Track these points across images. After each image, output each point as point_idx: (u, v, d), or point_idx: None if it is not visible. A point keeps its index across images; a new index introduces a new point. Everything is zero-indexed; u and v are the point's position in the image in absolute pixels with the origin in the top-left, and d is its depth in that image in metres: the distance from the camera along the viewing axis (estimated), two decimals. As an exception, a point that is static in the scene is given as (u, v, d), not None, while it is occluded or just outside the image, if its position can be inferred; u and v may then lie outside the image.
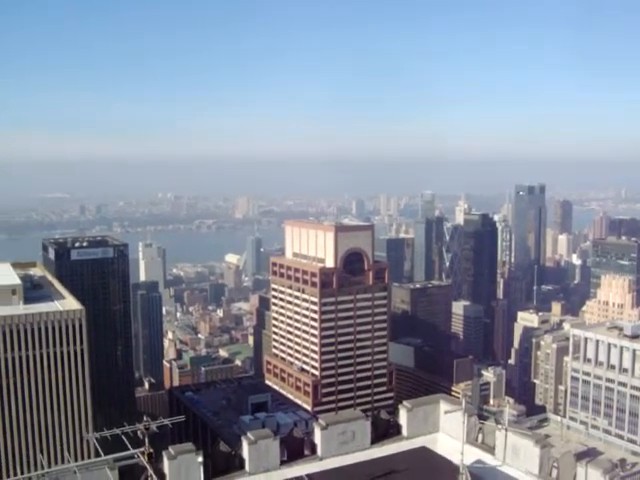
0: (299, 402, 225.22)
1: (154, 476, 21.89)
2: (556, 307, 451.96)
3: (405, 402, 31.33)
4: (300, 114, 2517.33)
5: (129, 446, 22.44)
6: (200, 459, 24.47)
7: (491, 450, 28.95)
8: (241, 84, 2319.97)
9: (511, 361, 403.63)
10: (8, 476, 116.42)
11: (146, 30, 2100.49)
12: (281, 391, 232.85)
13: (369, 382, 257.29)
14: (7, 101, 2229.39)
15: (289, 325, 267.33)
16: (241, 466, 27.18)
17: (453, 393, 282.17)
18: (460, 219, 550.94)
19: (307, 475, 26.32)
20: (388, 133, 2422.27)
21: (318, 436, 28.62)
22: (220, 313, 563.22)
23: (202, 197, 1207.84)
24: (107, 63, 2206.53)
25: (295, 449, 28.59)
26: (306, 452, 28.76)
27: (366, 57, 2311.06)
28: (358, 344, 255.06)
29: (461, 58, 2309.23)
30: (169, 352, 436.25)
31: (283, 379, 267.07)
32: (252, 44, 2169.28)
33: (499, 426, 28.62)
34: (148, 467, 21.86)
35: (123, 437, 22.99)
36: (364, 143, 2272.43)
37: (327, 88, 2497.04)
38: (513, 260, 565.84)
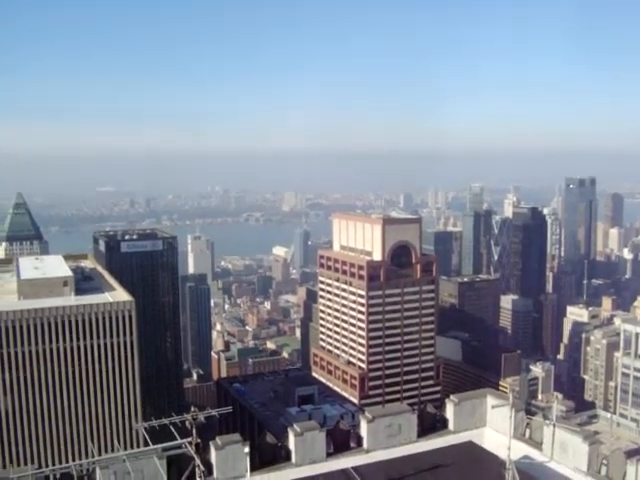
0: (346, 395, 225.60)
1: (201, 466, 22.11)
2: (607, 302, 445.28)
3: (452, 396, 31.21)
4: (345, 107, 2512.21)
5: (177, 436, 22.69)
6: (247, 450, 24.64)
7: (538, 446, 28.69)
8: (288, 79, 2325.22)
9: (560, 356, 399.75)
10: (60, 463, 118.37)
11: (194, 21, 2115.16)
12: (328, 384, 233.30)
13: (416, 376, 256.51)
14: (59, 96, 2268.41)
15: (336, 318, 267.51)
16: (287, 458, 27.32)
17: (501, 388, 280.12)
18: (509, 212, 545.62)
19: (353, 467, 26.34)
20: (435, 126, 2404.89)
21: (364, 429, 28.63)
22: (268, 305, 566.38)
23: (250, 190, 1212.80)
24: (160, 56, 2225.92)
25: (341, 441, 28.64)
26: (352, 445, 28.80)
27: (403, 48, 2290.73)
28: (405, 337, 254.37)
29: (505, 50, 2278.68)
30: (217, 344, 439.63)
31: (330, 372, 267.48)
32: (291, 35, 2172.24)
33: (547, 422, 28.32)
34: (195, 457, 22.10)
35: (171, 427, 23.25)
36: (410, 136, 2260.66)
37: (372, 82, 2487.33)
38: (563, 254, 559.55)
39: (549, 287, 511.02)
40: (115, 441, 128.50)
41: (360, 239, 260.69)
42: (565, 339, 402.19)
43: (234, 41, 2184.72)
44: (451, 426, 30.53)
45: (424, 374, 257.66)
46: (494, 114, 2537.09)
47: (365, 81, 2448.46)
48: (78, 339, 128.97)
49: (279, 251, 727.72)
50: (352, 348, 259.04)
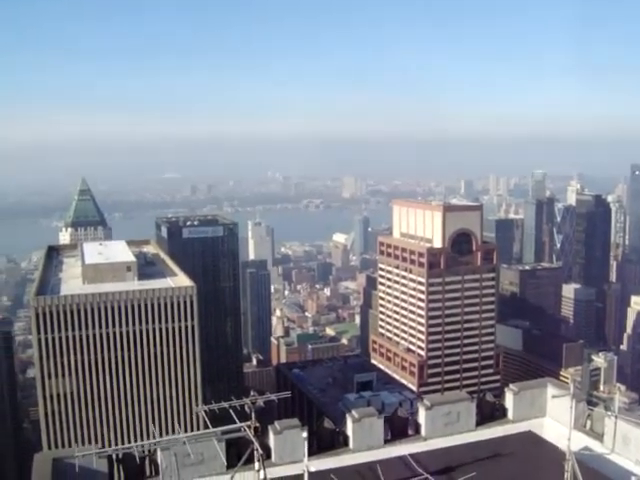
0: (404, 382, 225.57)
1: (260, 449, 22.29)
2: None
3: (512, 385, 30.91)
4: (403, 94, 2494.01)
5: (236, 420, 22.88)
6: (305, 435, 24.76)
7: (599, 437, 28.25)
8: (350, 66, 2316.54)
9: (623, 347, 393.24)
10: (123, 443, 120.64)
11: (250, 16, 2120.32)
12: (386, 370, 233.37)
13: (475, 364, 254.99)
14: (126, 85, 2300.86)
15: (396, 305, 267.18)
16: (345, 443, 27.39)
17: (562, 378, 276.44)
18: (572, 200, 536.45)
19: (410, 455, 26.27)
20: (497, 112, 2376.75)
21: (422, 416, 28.55)
22: (327, 292, 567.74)
23: (310, 177, 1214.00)
24: (223, 46, 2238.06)
25: (399, 428, 28.60)
26: (410, 432, 28.76)
27: (458, 32, 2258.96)
28: (465, 325, 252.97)
29: (571, 32, 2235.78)
30: (277, 329, 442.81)
31: (389, 358, 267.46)
32: (356, 23, 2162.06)
33: (609, 413, 27.86)
34: (254, 441, 22.25)
35: (231, 411, 23.43)
36: (471, 123, 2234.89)
37: (431, 70, 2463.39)
38: (627, 242, 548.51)
39: (613, 276, 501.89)
40: (176, 423, 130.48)
41: (420, 226, 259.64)
42: (629, 329, 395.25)
43: (281, 23, 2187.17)
44: (510, 415, 30.26)
45: (484, 362, 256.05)
46: (557, 100, 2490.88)
47: (422, 65, 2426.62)
48: (140, 323, 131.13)
49: (339, 237, 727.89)
50: (411, 335, 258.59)
